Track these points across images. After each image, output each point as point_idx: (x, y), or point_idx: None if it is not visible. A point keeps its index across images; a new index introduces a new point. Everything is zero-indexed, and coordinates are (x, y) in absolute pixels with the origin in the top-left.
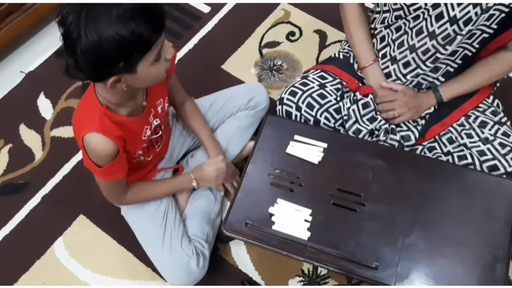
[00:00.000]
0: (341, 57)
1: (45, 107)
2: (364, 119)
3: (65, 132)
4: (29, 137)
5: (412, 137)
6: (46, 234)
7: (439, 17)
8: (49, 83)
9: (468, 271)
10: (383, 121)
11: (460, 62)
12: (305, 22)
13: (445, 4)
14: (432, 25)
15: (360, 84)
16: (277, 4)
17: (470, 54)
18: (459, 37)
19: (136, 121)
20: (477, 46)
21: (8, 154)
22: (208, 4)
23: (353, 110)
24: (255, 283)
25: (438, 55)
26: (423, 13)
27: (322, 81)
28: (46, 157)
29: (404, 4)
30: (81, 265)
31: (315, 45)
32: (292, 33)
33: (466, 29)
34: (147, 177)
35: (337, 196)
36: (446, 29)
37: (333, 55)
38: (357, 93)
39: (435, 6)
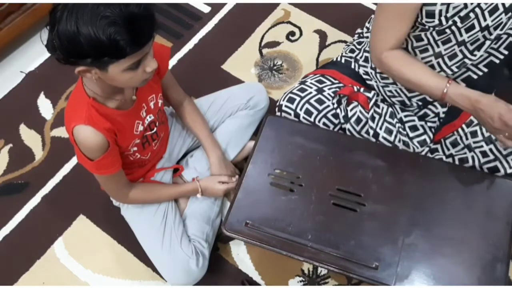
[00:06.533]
0: (343, 61)
1: (45, 107)
2: (362, 132)
3: (65, 132)
4: (29, 137)
5: (428, 140)
6: (46, 234)
7: (470, 28)
8: (49, 83)
9: (468, 271)
10: (388, 132)
11: (485, 70)
12: (305, 22)
13: (476, 16)
14: (461, 35)
15: (356, 89)
16: (277, 4)
17: (497, 61)
18: (487, 42)
19: (125, 114)
20: (505, 52)
21: (8, 154)
22: (208, 4)
23: (349, 129)
24: (255, 283)
25: (465, 60)
26: (450, 28)
27: (320, 85)
28: (46, 157)
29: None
30: (81, 265)
31: (315, 45)
32: (292, 33)
33: (495, 33)
34: (146, 177)
35: (337, 196)
36: (476, 36)
37: (334, 59)
38: (347, 108)
39: (464, 19)
